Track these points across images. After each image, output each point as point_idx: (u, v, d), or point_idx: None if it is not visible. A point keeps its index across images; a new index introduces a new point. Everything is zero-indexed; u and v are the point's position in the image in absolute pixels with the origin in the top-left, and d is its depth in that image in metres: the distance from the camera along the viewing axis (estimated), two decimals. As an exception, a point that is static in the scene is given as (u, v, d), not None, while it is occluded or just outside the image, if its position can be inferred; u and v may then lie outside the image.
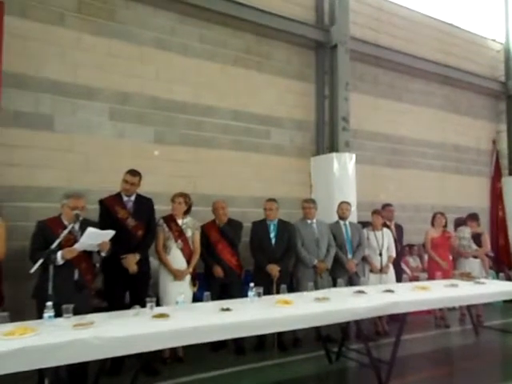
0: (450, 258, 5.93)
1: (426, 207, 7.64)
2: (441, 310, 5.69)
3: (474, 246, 6.02)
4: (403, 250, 6.48)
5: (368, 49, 7.21)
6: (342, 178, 6.35)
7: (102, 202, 3.98)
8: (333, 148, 6.58)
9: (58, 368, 2.46)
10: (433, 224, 5.93)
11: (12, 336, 2.32)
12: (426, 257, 6.63)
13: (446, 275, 5.28)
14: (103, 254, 3.40)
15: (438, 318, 5.79)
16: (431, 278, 5.40)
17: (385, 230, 5.49)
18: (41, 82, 4.78)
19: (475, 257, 5.98)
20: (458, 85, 8.63)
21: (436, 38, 8.40)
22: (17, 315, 2.74)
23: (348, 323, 4.20)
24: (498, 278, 5.27)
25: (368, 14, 7.49)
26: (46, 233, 3.19)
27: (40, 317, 2.67)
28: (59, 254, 3.09)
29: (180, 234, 4.26)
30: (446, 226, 5.89)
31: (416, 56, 7.77)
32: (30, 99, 4.73)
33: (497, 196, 9.01)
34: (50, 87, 4.84)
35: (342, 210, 5.30)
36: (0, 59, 4.25)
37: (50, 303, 2.63)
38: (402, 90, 7.96)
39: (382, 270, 5.25)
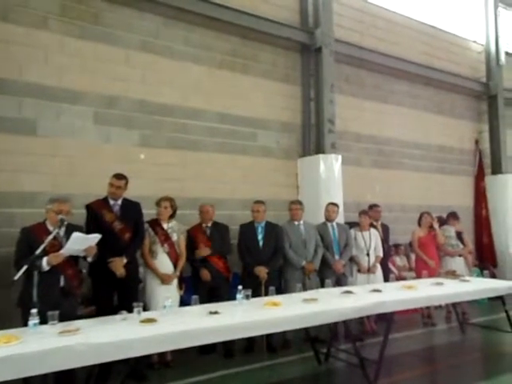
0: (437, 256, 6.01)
1: (412, 207, 7.72)
2: (427, 308, 5.75)
3: (461, 245, 6.11)
4: (390, 249, 6.55)
5: (353, 51, 7.28)
6: (329, 180, 6.40)
7: (88, 207, 3.94)
8: (319, 150, 6.62)
9: (44, 376, 2.42)
10: (419, 224, 6.00)
11: (-4, 345, 2.28)
12: (412, 256, 6.71)
13: (433, 274, 5.35)
14: (89, 260, 3.37)
15: (424, 316, 5.86)
16: (418, 276, 5.46)
17: (372, 230, 5.54)
18: (24, 86, 4.72)
19: (460, 255, 6.07)
20: (441, 86, 8.77)
21: (419, 40, 8.52)
22: (1, 324, 2.69)
23: (336, 323, 4.22)
24: (482, 275, 5.36)
25: (352, 17, 7.57)
26: (31, 239, 3.15)
27: (25, 325, 2.62)
28: (44, 259, 3.05)
29: (166, 238, 4.24)
30: (432, 225, 5.96)
31: (400, 58, 7.87)
32: (13, 103, 4.66)
33: (480, 195, 9.17)
34: (34, 91, 4.78)
35: (329, 212, 5.33)
36: (-19, 63, 4.18)
37: (34, 310, 2.60)
38: (387, 91, 8.05)
39: (369, 270, 5.29)
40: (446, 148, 8.90)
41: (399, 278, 5.85)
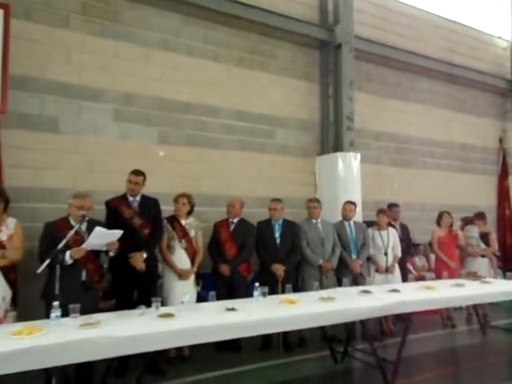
0: (458, 257, 5.90)
1: (432, 206, 7.58)
2: (447, 309, 5.65)
3: (483, 246, 5.98)
4: (409, 249, 6.45)
5: (373, 48, 7.19)
6: (347, 178, 6.34)
7: (108, 204, 4.01)
8: (337, 148, 6.57)
9: (65, 367, 2.47)
10: (439, 223, 5.90)
11: (19, 336, 2.34)
12: (432, 256, 6.60)
13: (453, 275, 5.25)
14: (111, 254, 3.43)
15: (444, 317, 5.76)
16: (438, 277, 5.37)
17: (390, 229, 5.46)
18: (46, 84, 4.81)
19: (483, 256, 5.94)
20: (463, 83, 8.57)
21: (442, 36, 8.35)
22: (26, 315, 2.77)
23: (353, 323, 4.19)
24: (505, 277, 5.23)
25: (373, 13, 7.47)
26: (54, 234, 3.22)
27: (48, 317, 2.68)
28: (67, 253, 3.13)
29: (184, 234, 4.28)
30: (452, 225, 5.85)
31: (422, 54, 7.73)
32: (36, 101, 4.76)
33: (504, 194, 8.94)
34: (55, 89, 4.87)
35: (346, 210, 5.28)
36: (6, 62, 4.28)
37: (56, 303, 2.65)
38: (408, 89, 7.92)
39: (387, 270, 5.23)
40: (468, 146, 8.71)
41: (418, 279, 5.75)
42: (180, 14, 5.71)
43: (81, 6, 5.08)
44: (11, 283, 3.31)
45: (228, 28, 6.08)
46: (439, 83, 8.36)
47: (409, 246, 6.22)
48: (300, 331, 4.57)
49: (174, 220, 4.31)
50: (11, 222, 3.41)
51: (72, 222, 3.33)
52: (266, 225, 4.86)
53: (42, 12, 4.86)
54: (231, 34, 6.12)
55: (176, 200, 4.33)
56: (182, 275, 4.17)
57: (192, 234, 4.33)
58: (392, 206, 5.99)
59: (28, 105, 4.70)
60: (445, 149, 8.34)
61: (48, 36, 4.87)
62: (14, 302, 3.34)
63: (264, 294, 3.53)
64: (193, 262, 4.28)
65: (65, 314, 2.68)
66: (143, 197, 4.10)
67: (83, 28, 5.08)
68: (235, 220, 4.75)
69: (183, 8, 5.66)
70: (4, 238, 3.30)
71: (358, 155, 6.49)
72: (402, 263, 5.53)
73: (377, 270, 5.27)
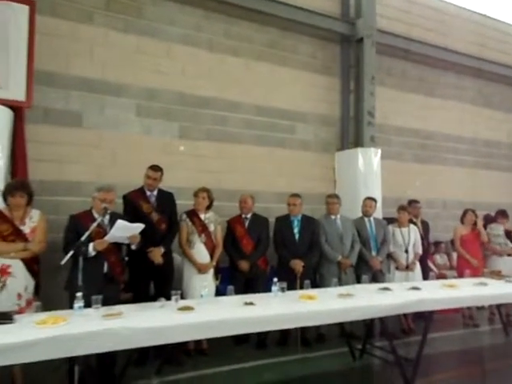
0: (481, 255, 5.77)
1: (455, 204, 7.45)
2: (469, 308, 5.55)
3: (510, 244, 5.84)
4: (430, 247, 6.35)
5: (396, 42, 7.07)
6: (367, 174, 6.28)
7: (125, 197, 4.08)
8: (358, 143, 6.50)
9: (87, 357, 2.53)
10: (462, 221, 5.78)
11: (44, 325, 2.40)
12: (454, 254, 6.48)
13: (476, 273, 5.14)
14: (133, 247, 3.49)
15: (466, 316, 5.66)
16: (460, 276, 5.27)
17: (411, 226, 5.38)
18: (70, 79, 4.91)
19: (509, 255, 5.79)
20: (492, 78, 8.35)
21: (469, 30, 8.15)
22: (49, 305, 2.84)
23: (372, 320, 4.15)
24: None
25: (397, 7, 7.34)
26: (78, 226, 3.30)
27: (71, 307, 2.75)
28: (91, 245, 3.20)
29: (203, 228, 4.31)
30: (475, 223, 5.72)
31: (448, 49, 7.56)
32: (60, 96, 4.86)
33: (530, 192, 8.69)
34: (79, 84, 4.96)
35: (366, 206, 5.22)
36: (32, 58, 4.37)
37: (79, 294, 2.72)
38: (432, 84, 7.77)
39: (408, 268, 5.16)
40: (493, 143, 8.50)
41: (439, 277, 5.66)
42: (201, 8, 5.73)
43: (104, 2, 5.15)
44: (34, 274, 3.40)
45: (249, 23, 6.07)
46: (466, 78, 8.17)
47: (429, 244, 6.12)
48: (318, 327, 4.57)
49: (193, 214, 4.34)
50: (35, 214, 3.48)
51: (95, 214, 3.40)
52: (285, 220, 4.85)
53: (66, 8, 4.94)
54: (252, 28, 6.11)
55: (196, 194, 4.36)
56: (201, 269, 4.21)
57: (211, 228, 4.36)
58: (412, 202, 5.89)
59: (53, 100, 4.81)
60: (469, 145, 8.16)
61: (72, 32, 4.96)
62: (37, 292, 3.43)
63: (282, 290, 3.52)
64: (212, 256, 4.32)
65: (87, 304, 2.74)
66: (160, 191, 4.16)
67: (107, 23, 5.15)
68: (248, 215, 4.76)
69: (204, 3, 5.68)
70: (27, 230, 3.38)
71: (379, 151, 6.41)
72: (422, 261, 5.44)
73: (397, 268, 5.20)
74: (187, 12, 5.65)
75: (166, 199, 4.16)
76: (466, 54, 7.78)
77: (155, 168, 4.09)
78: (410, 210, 5.57)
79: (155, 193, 4.11)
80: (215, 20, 5.84)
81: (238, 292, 3.57)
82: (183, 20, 5.62)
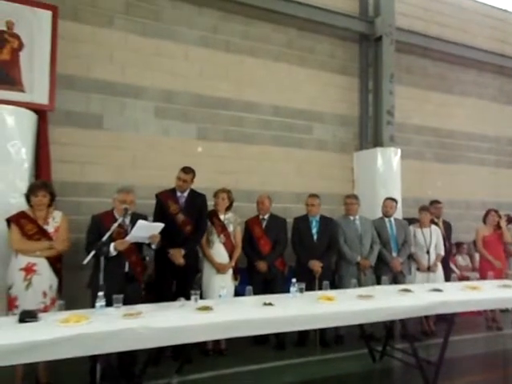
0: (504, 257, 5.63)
1: (477, 204, 7.29)
2: (492, 311, 5.42)
3: (535, 245, 5.70)
4: (452, 248, 6.23)
5: (416, 39, 6.96)
6: (387, 174, 6.20)
7: (157, 196, 4.16)
8: (377, 143, 6.43)
9: (109, 355, 2.57)
10: (484, 221, 5.66)
11: (67, 323, 2.45)
12: (476, 256, 6.34)
13: (499, 275, 5.02)
14: (154, 247, 3.53)
15: (489, 319, 5.53)
16: (483, 277, 5.15)
17: (433, 227, 5.28)
18: (91, 83, 5.00)
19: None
20: (513, 74, 8.15)
21: (490, 26, 7.96)
22: (71, 304, 2.90)
23: (393, 322, 4.10)
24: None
25: (416, 4, 7.22)
26: (99, 226, 3.36)
27: (93, 306, 2.80)
28: (112, 245, 3.25)
29: (223, 228, 4.33)
30: (499, 224, 5.59)
31: (468, 45, 7.41)
32: (81, 99, 4.96)
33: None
34: (100, 87, 5.05)
35: (386, 207, 5.16)
36: (55, 62, 4.48)
37: (101, 293, 2.76)
38: (452, 81, 7.63)
39: (429, 269, 5.06)
40: (516, 141, 8.28)
41: (461, 279, 5.56)
42: (219, 10, 5.76)
43: (124, 6, 5.23)
44: (57, 273, 3.48)
45: (266, 23, 6.07)
46: (487, 75, 7.99)
47: (451, 245, 6.01)
48: (337, 328, 4.54)
49: (213, 215, 4.37)
50: (57, 215, 3.57)
51: (116, 215, 3.45)
52: (303, 221, 4.83)
53: (88, 13, 5.04)
54: (269, 29, 6.11)
55: (216, 195, 4.39)
56: (220, 269, 4.23)
57: (230, 229, 4.38)
58: (434, 202, 5.79)
59: (74, 103, 4.90)
60: (491, 143, 7.97)
61: (93, 36, 5.05)
62: (60, 290, 3.51)
63: (301, 290, 3.51)
64: (231, 257, 4.33)
65: (109, 303, 2.78)
66: (191, 192, 4.19)
67: (126, 27, 5.23)
68: (266, 216, 4.76)
69: (222, 4, 5.71)
70: (51, 230, 3.47)
71: (399, 150, 6.32)
72: (444, 262, 5.34)
73: (418, 269, 5.12)
74: (205, 14, 5.69)
75: (196, 201, 4.18)
76: (487, 50, 7.61)
77: (187, 170, 4.13)
78: (431, 210, 5.48)
79: (186, 194, 4.15)
80: (233, 21, 5.86)
81: (256, 292, 3.56)
82: (201, 22, 5.66)
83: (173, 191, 4.15)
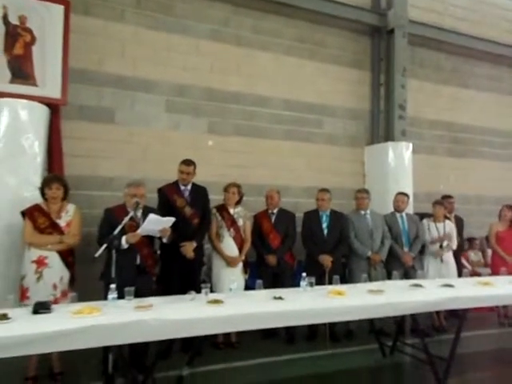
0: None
1: (490, 199, 7.20)
2: (505, 307, 5.36)
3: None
4: (464, 243, 6.17)
5: (429, 32, 6.86)
6: (398, 168, 6.15)
7: (160, 191, 4.15)
8: (388, 137, 6.38)
9: (120, 346, 2.60)
10: (500, 217, 5.59)
11: (80, 315, 2.49)
12: (489, 251, 6.27)
13: (512, 271, 4.96)
14: (165, 241, 3.56)
15: (501, 315, 5.47)
16: (495, 273, 5.10)
17: (447, 221, 5.24)
18: (103, 77, 5.03)
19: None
20: (529, 68, 8.00)
21: (505, 18, 7.82)
22: (85, 296, 2.94)
23: (403, 317, 4.08)
24: None
25: (430, -4, 7.12)
26: (112, 219, 3.38)
27: (105, 298, 2.84)
28: (123, 238, 3.27)
29: (232, 222, 4.35)
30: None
31: (483, 38, 7.28)
32: (93, 93, 4.99)
33: None
34: (111, 81, 5.07)
35: (398, 202, 5.12)
36: (67, 56, 4.51)
37: (113, 285, 2.80)
38: (466, 75, 7.51)
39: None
40: (531, 135, 8.14)
41: (473, 274, 5.50)
42: (230, 4, 5.74)
43: (136, 0, 5.23)
44: (69, 266, 3.52)
45: (277, 17, 6.04)
46: (503, 68, 7.85)
47: (463, 240, 5.95)
48: (347, 323, 4.54)
49: (222, 209, 4.38)
50: (71, 208, 3.61)
51: (128, 209, 3.47)
52: (314, 215, 4.82)
53: (99, 7, 5.05)
54: (280, 22, 6.07)
55: (226, 189, 4.39)
56: (230, 263, 4.25)
57: (240, 223, 4.39)
58: (446, 197, 5.74)
59: (86, 97, 4.94)
60: (506, 138, 7.84)
61: (104, 30, 5.07)
62: (72, 283, 3.56)
63: (311, 284, 3.51)
64: (240, 251, 4.34)
65: (121, 296, 2.82)
66: (193, 186, 4.21)
67: (137, 21, 5.24)
68: (275, 211, 4.75)
69: (233, -2, 5.68)
70: (63, 224, 3.51)
71: (410, 145, 6.27)
72: (456, 258, 5.29)
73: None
74: (216, 7, 5.67)
75: (200, 194, 4.21)
76: (503, 43, 7.47)
77: (188, 162, 4.14)
78: (445, 205, 5.42)
79: (189, 187, 4.17)
80: (243, 15, 5.84)
81: (266, 286, 3.58)
82: (212, 16, 5.65)
83: (175, 185, 4.16)
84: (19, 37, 4.32)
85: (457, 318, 3.78)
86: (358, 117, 6.61)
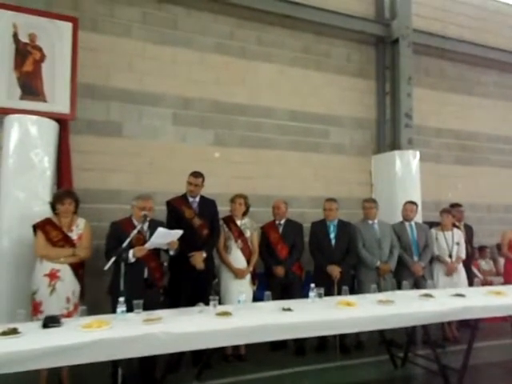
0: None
1: (499, 207, 7.14)
2: (518, 317, 5.27)
3: None
4: (474, 252, 6.09)
5: (434, 41, 6.89)
6: (405, 177, 6.13)
7: (169, 203, 4.18)
8: (395, 146, 6.37)
9: (130, 360, 2.60)
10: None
11: (89, 329, 2.49)
12: (501, 260, 6.19)
13: (525, 280, 4.89)
14: (171, 253, 3.57)
15: (514, 325, 5.37)
16: (508, 282, 5.02)
17: (455, 230, 5.18)
18: (110, 91, 5.10)
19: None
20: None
21: (510, 26, 7.81)
22: (93, 309, 2.95)
23: (414, 328, 4.03)
24: None
25: (433, 5, 7.15)
26: (119, 233, 3.41)
27: (114, 311, 2.84)
28: (130, 252, 3.29)
29: (240, 234, 4.35)
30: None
31: (488, 46, 7.29)
32: (102, 107, 5.06)
33: None
34: (119, 96, 5.14)
35: (407, 211, 5.08)
36: (75, 72, 4.58)
37: (122, 299, 2.80)
38: (472, 82, 7.51)
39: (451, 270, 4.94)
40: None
41: (484, 283, 5.43)
42: (234, 17, 5.81)
43: (142, 16, 5.33)
44: (79, 278, 3.55)
45: (281, 28, 6.10)
46: (508, 75, 7.83)
47: (473, 249, 5.87)
48: (357, 334, 4.48)
49: (229, 220, 4.39)
50: (81, 222, 3.65)
51: (135, 221, 3.50)
52: (321, 225, 4.80)
53: (107, 23, 5.15)
54: (284, 34, 6.13)
55: (233, 200, 4.41)
56: (238, 274, 4.24)
57: (247, 234, 4.39)
58: (455, 205, 5.69)
59: (94, 111, 5.01)
60: (513, 145, 7.79)
61: (111, 45, 5.16)
62: (82, 296, 3.57)
63: (320, 295, 3.49)
64: (248, 262, 4.33)
65: (129, 309, 2.82)
66: (202, 198, 4.23)
67: (143, 36, 5.32)
68: (282, 221, 4.74)
69: (237, 11, 5.75)
70: (75, 237, 3.55)
71: (417, 153, 6.24)
72: (466, 267, 5.22)
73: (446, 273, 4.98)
74: (220, 21, 5.75)
75: (208, 206, 4.24)
76: (507, 50, 7.47)
77: (196, 174, 4.17)
78: (453, 213, 5.37)
79: (197, 199, 4.19)
80: (248, 27, 5.91)
81: (274, 298, 3.56)
82: (216, 29, 5.72)
83: (184, 197, 4.19)
84: (29, 54, 4.40)
85: (469, 328, 3.71)
86: (365, 126, 6.61)
